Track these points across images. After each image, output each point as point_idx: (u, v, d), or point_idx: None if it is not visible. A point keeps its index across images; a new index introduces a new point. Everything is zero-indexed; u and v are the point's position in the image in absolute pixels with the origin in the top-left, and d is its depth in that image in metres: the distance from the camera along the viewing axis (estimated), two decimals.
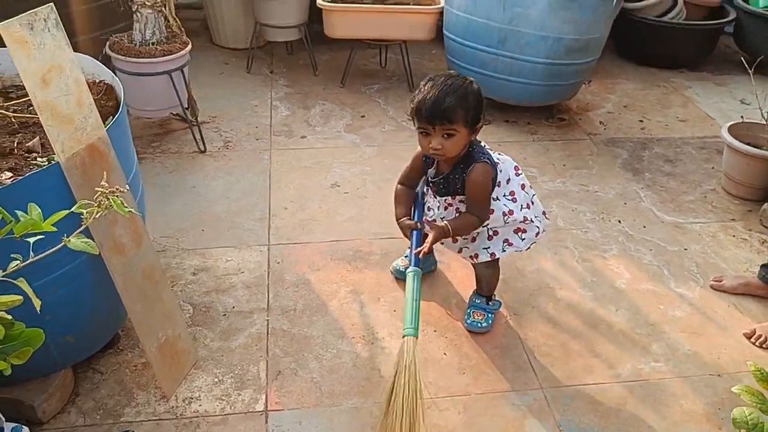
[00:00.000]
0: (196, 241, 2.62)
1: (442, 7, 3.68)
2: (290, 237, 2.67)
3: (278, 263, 2.52)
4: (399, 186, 2.15)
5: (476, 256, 2.15)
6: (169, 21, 3.11)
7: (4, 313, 1.16)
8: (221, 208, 2.82)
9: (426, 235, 2.03)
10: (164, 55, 3.00)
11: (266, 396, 1.98)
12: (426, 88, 1.88)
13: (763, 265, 2.45)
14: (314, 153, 3.28)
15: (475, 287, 2.33)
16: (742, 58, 3.12)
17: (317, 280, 2.45)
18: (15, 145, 1.83)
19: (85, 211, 1.18)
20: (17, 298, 1.20)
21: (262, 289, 2.39)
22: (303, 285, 2.43)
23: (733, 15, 4.44)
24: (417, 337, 1.81)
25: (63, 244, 1.17)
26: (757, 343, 2.24)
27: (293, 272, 2.48)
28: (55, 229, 1.23)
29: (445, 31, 3.69)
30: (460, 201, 2.06)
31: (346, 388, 2.02)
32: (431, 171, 2.08)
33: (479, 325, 2.25)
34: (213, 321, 2.25)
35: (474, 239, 2.14)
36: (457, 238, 2.12)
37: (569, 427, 1.94)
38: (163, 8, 3.05)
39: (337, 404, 1.97)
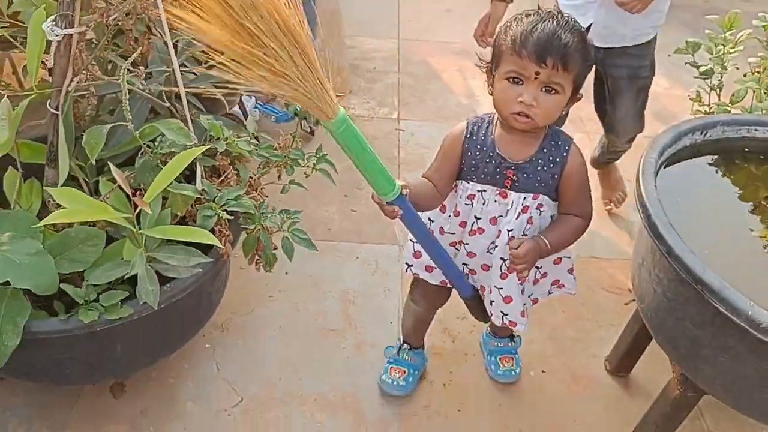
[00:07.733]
0: None
1: None
2: (414, 36, 3.57)
3: (406, 49, 3.43)
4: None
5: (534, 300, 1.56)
6: None
7: None
8: (358, 18, 3.71)
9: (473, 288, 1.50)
10: None
11: (398, 112, 2.92)
12: (527, 19, 1.26)
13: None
14: None
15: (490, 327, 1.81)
16: None
17: (434, 62, 3.35)
18: None
19: None
20: None
21: (394, 61, 3.32)
22: (424, 63, 3.33)
23: None
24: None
25: None
26: None
27: (417, 55, 3.39)
28: None
29: None
30: (539, 206, 1.37)
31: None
32: (495, 155, 1.34)
33: (512, 373, 1.78)
34: (360, 73, 3.19)
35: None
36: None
37: None
38: None
39: (443, 119, 2.89)
